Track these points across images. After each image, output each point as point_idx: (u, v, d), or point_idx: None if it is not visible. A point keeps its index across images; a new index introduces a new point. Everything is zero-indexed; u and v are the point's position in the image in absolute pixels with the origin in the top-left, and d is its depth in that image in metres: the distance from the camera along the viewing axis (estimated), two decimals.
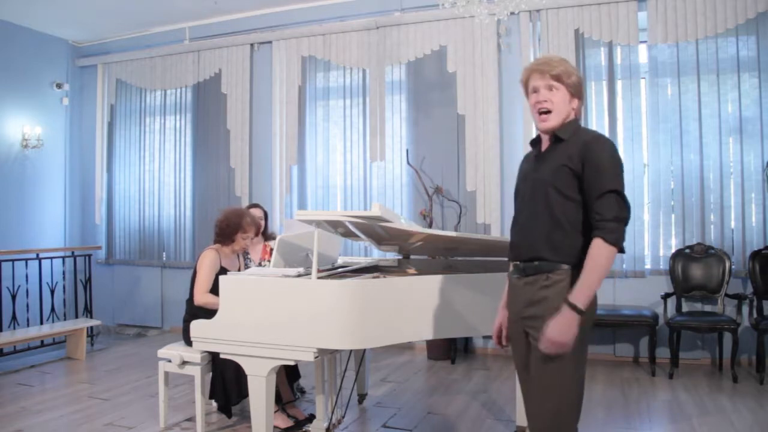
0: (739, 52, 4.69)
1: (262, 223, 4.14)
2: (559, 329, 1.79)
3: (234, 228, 3.53)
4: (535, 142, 2.10)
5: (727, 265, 4.58)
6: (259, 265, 3.96)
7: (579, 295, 1.80)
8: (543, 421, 1.89)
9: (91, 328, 5.76)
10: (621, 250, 1.84)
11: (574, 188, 1.87)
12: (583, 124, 5.35)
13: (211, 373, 3.41)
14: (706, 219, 4.80)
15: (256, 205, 4.24)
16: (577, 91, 1.97)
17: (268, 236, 4.17)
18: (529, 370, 1.97)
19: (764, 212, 4.64)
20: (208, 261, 3.45)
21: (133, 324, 6.74)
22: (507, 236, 2.16)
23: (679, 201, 4.87)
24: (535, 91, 1.97)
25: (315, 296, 2.63)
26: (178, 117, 6.60)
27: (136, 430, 3.47)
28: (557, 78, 1.93)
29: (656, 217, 4.91)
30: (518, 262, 2.00)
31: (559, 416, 1.86)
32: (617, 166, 1.87)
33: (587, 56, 5.08)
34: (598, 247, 1.81)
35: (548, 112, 1.95)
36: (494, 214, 5.22)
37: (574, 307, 1.79)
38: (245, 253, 3.94)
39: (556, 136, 1.96)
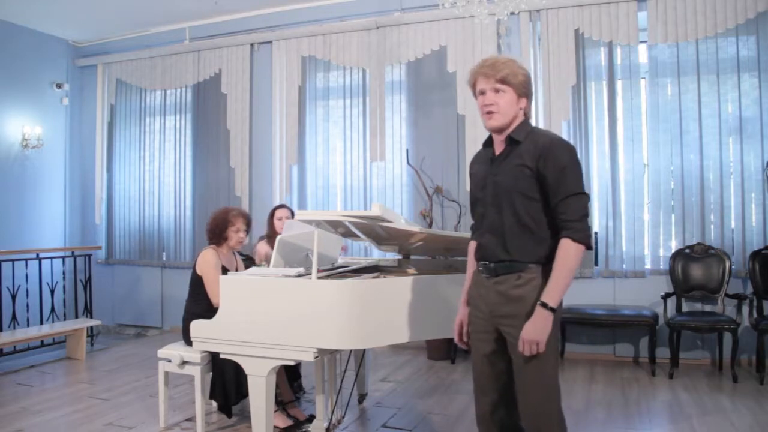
0: (739, 52, 4.69)
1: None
2: (535, 329, 1.89)
3: (223, 224, 3.53)
4: (488, 144, 2.14)
5: (727, 265, 4.58)
6: (260, 265, 3.96)
7: (552, 294, 1.90)
8: (538, 414, 1.97)
9: (91, 328, 5.76)
10: (589, 247, 1.91)
11: (535, 190, 1.95)
12: (583, 125, 5.36)
13: (211, 373, 3.41)
14: (706, 219, 4.79)
15: (283, 206, 4.17)
16: (525, 91, 2.03)
17: None
18: (495, 365, 2.07)
19: (764, 212, 4.64)
20: (212, 262, 3.43)
21: (133, 324, 6.75)
22: None
23: (679, 201, 4.87)
24: (482, 93, 2.02)
25: (315, 296, 2.63)
26: (178, 117, 6.60)
27: (136, 430, 3.47)
28: (503, 81, 1.98)
29: (656, 217, 4.91)
30: (487, 262, 2.06)
31: (550, 405, 1.97)
32: (578, 168, 1.95)
33: (587, 56, 5.08)
34: (567, 247, 1.90)
35: (494, 113, 2.00)
36: None
37: (546, 306, 1.89)
38: (244, 257, 3.94)
39: (511, 138, 2.02)
